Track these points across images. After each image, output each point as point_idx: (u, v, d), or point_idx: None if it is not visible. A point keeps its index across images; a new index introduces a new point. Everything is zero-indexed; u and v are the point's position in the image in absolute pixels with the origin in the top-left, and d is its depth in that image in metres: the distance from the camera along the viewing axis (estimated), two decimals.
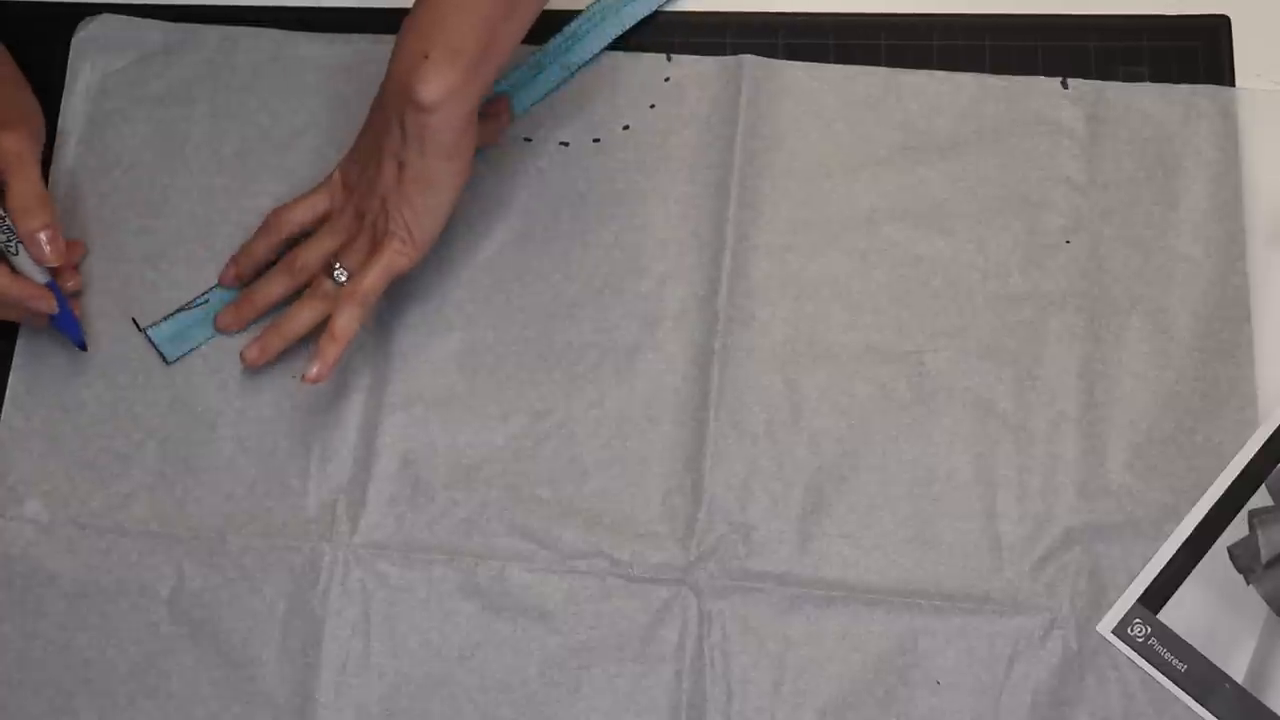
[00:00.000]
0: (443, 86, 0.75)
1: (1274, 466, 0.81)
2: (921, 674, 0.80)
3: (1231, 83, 0.87)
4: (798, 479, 0.82)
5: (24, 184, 0.81)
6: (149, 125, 0.90)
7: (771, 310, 0.85)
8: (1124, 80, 0.88)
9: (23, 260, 0.81)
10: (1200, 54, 0.88)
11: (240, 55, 0.91)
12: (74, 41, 0.92)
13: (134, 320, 0.86)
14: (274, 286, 0.85)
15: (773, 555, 0.82)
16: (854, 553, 0.81)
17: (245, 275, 0.86)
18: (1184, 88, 0.87)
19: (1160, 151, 0.86)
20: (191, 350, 0.86)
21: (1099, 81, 0.88)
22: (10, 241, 0.80)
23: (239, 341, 0.85)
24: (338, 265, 0.83)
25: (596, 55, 0.90)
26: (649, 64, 0.90)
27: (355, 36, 0.91)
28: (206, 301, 0.87)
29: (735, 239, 0.86)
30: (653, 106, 0.89)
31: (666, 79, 0.89)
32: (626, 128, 0.89)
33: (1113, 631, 0.80)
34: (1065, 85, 0.88)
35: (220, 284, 0.87)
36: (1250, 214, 0.85)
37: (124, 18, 0.92)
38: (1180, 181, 0.86)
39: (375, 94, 0.81)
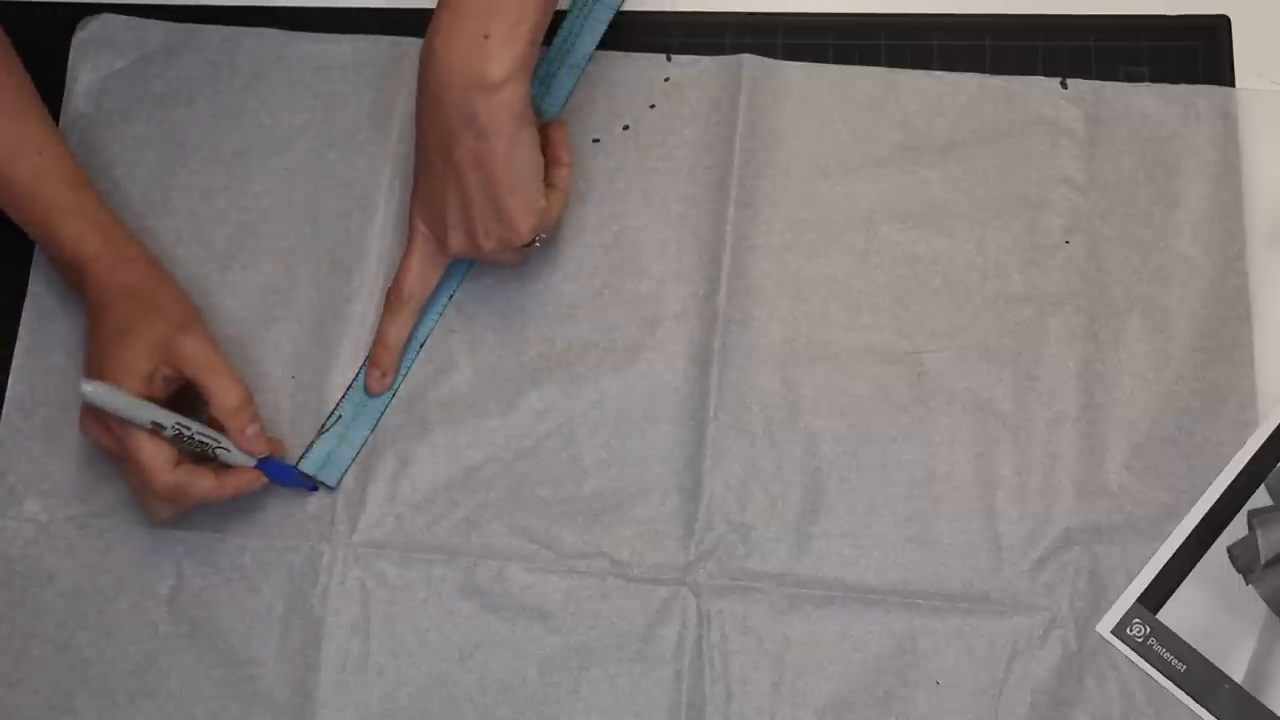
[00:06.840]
0: (510, 60, 0.75)
1: (1273, 466, 0.81)
2: (921, 674, 0.80)
3: (1231, 83, 0.87)
4: (797, 479, 0.82)
5: (224, 386, 0.79)
6: (149, 125, 0.90)
7: (771, 310, 0.85)
8: (1124, 80, 0.88)
9: (234, 455, 0.80)
10: (1200, 54, 0.88)
11: (240, 55, 0.91)
12: (74, 42, 0.92)
13: (297, 470, 0.84)
14: (402, 326, 0.84)
15: (772, 555, 0.82)
16: (853, 552, 0.81)
17: (393, 369, 0.84)
18: (1183, 88, 0.87)
19: (1160, 152, 0.86)
20: (347, 470, 0.84)
21: (1098, 81, 0.87)
22: (217, 445, 0.79)
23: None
24: None
25: (598, 49, 0.89)
26: (649, 64, 0.90)
27: (355, 36, 0.91)
28: (339, 417, 0.84)
29: (734, 239, 0.86)
30: (652, 106, 0.89)
31: (666, 79, 0.89)
32: (626, 128, 0.89)
33: (1112, 631, 0.80)
34: (1065, 85, 0.88)
35: (371, 393, 0.84)
36: (1250, 214, 0.85)
37: (124, 18, 0.92)
38: (1180, 182, 0.86)
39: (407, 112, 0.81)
